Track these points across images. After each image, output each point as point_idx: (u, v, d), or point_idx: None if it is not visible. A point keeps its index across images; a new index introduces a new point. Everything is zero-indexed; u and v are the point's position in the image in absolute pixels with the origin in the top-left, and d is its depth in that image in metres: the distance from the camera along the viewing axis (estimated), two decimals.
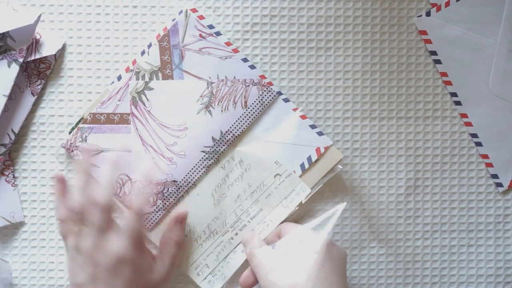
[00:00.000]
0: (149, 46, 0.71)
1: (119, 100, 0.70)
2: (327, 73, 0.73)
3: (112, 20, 0.72)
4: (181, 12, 0.71)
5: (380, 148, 0.73)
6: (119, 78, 0.71)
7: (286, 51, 0.72)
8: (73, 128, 0.71)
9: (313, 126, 0.71)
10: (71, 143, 0.70)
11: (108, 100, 0.70)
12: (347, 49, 0.73)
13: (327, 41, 0.72)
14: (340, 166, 0.71)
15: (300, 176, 0.71)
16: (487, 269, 0.73)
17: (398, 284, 0.73)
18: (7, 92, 0.68)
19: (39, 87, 0.71)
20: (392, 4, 0.73)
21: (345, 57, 0.73)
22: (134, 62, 0.71)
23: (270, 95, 0.71)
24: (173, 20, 0.71)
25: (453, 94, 0.73)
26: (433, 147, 0.73)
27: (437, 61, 0.73)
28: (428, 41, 0.72)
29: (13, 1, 0.70)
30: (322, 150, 0.70)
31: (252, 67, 0.71)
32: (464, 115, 0.73)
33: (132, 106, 0.71)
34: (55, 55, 0.71)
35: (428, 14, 0.72)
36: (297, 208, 0.70)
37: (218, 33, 0.71)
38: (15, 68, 0.68)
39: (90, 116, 0.70)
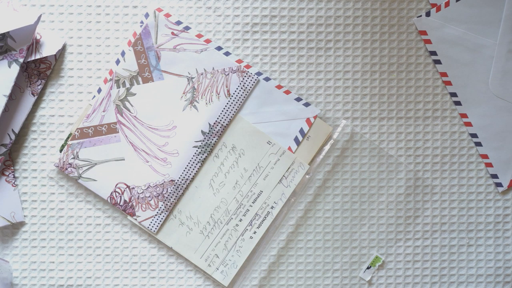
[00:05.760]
0: (123, 53, 0.71)
1: (103, 111, 0.71)
2: (327, 73, 0.73)
3: (113, 21, 0.72)
4: (146, 14, 0.71)
5: (380, 148, 0.73)
6: (99, 90, 0.71)
7: (286, 51, 0.72)
8: (63, 146, 0.71)
9: (298, 99, 0.71)
10: (64, 161, 0.71)
11: (92, 113, 0.71)
12: (347, 49, 0.73)
13: (327, 41, 0.73)
14: (332, 140, 0.71)
15: (295, 151, 0.71)
16: (487, 269, 0.73)
17: (398, 284, 0.73)
18: (8, 92, 0.68)
19: (39, 87, 0.71)
20: (392, 4, 0.73)
21: (345, 57, 0.73)
22: (111, 72, 0.71)
23: (251, 80, 0.71)
24: (141, 23, 0.71)
25: (453, 94, 0.73)
26: (433, 147, 0.73)
27: (437, 61, 0.73)
28: (428, 41, 0.72)
29: (14, 1, 0.70)
30: (312, 120, 0.71)
31: (227, 53, 0.71)
32: (464, 115, 0.73)
33: (118, 115, 0.71)
34: (55, 55, 0.71)
35: (428, 14, 0.72)
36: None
37: (187, 28, 0.71)
38: (15, 68, 0.68)
39: (77, 132, 0.71)
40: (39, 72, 0.71)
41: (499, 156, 0.73)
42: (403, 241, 0.73)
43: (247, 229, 0.72)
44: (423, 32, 0.72)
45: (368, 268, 0.72)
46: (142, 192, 0.71)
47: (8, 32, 0.68)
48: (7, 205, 0.71)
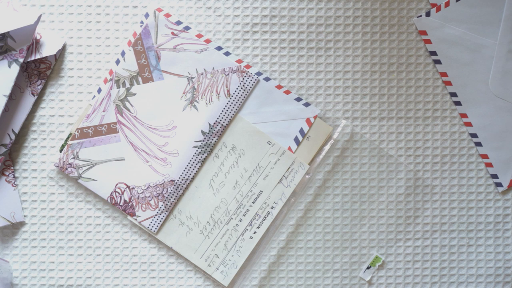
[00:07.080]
0: (123, 53, 0.71)
1: (103, 111, 0.71)
2: (327, 73, 0.73)
3: (113, 21, 0.72)
4: (146, 14, 0.71)
5: (380, 148, 0.73)
6: (99, 90, 0.71)
7: (286, 51, 0.72)
8: (63, 146, 0.71)
9: (298, 99, 0.71)
10: (64, 161, 0.71)
11: (92, 113, 0.71)
12: (347, 49, 0.73)
13: (327, 41, 0.73)
14: (332, 140, 0.71)
15: (295, 151, 0.71)
16: (487, 269, 0.73)
17: (398, 284, 0.73)
18: (8, 92, 0.68)
19: (39, 87, 0.71)
20: (392, 4, 0.73)
21: (345, 57, 0.73)
22: (111, 72, 0.71)
23: (251, 80, 0.71)
24: (141, 23, 0.71)
25: (453, 94, 0.73)
26: (433, 147, 0.73)
27: (437, 61, 0.73)
28: (428, 41, 0.72)
29: (14, 1, 0.70)
30: (312, 120, 0.71)
31: (227, 53, 0.71)
32: (464, 115, 0.73)
33: (118, 114, 0.71)
34: (55, 55, 0.71)
35: (428, 14, 0.72)
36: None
37: (187, 28, 0.71)
38: (15, 68, 0.68)
39: (77, 132, 0.71)
40: (39, 72, 0.71)
41: (499, 156, 0.73)
42: (403, 241, 0.73)
43: (247, 229, 0.72)
44: (423, 32, 0.73)
45: (368, 268, 0.72)
46: (142, 192, 0.71)
47: (8, 32, 0.68)
48: (7, 205, 0.71)
